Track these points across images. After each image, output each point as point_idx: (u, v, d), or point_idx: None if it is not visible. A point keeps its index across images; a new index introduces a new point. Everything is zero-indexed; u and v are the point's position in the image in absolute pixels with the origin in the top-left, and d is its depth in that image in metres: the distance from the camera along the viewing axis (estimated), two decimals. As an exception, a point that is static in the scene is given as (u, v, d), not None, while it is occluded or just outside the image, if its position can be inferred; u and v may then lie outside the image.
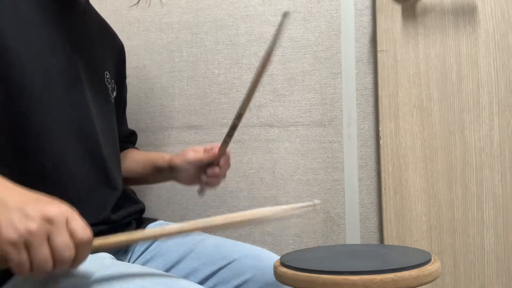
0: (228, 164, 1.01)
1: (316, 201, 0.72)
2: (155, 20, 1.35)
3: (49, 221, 0.55)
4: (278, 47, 0.80)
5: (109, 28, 1.05)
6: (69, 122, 0.80)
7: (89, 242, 0.58)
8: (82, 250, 0.58)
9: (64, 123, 0.80)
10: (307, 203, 0.72)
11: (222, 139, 0.97)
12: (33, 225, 0.54)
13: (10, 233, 0.54)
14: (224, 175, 1.02)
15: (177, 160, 1.01)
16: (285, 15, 0.76)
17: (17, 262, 0.54)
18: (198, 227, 0.69)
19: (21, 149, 0.75)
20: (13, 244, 0.54)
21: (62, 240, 0.55)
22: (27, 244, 0.54)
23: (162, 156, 1.06)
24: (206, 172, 1.00)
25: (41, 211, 0.55)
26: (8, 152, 0.75)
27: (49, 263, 0.55)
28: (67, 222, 0.56)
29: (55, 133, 0.78)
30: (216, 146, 0.99)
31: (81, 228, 0.57)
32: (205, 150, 0.99)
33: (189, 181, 1.04)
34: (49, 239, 0.55)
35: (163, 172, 1.05)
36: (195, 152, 0.99)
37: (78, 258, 0.58)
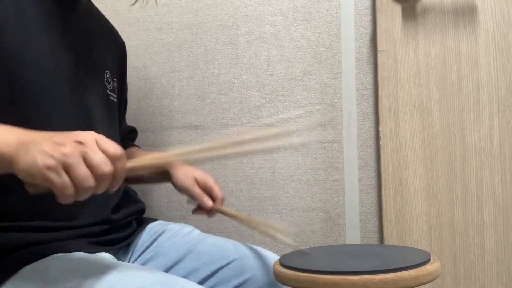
0: (221, 207, 1.00)
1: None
2: (155, 20, 1.35)
3: (80, 143, 0.57)
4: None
5: (111, 27, 1.05)
6: (70, 122, 0.80)
7: (123, 157, 0.60)
8: (118, 164, 0.59)
9: (65, 123, 0.80)
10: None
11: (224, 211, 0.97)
12: (67, 148, 0.56)
13: (47, 160, 0.56)
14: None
15: (177, 176, 0.99)
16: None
17: (60, 185, 0.56)
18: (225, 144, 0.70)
19: None
20: (52, 168, 0.55)
21: (98, 157, 0.57)
22: (65, 167, 0.56)
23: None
24: (196, 209, 0.99)
25: (70, 137, 0.58)
26: None
27: (91, 180, 0.56)
28: (97, 143, 0.58)
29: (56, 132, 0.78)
30: (215, 188, 0.97)
31: (112, 145, 0.59)
32: (205, 188, 0.97)
33: (182, 193, 1.03)
34: (85, 159, 0.57)
35: (163, 175, 1.04)
36: (195, 183, 0.97)
37: (116, 173, 0.59)
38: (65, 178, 0.56)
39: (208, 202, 0.95)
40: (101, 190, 0.59)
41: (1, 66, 0.73)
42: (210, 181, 0.98)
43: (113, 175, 0.59)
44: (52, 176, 0.56)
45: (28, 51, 0.76)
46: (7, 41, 0.73)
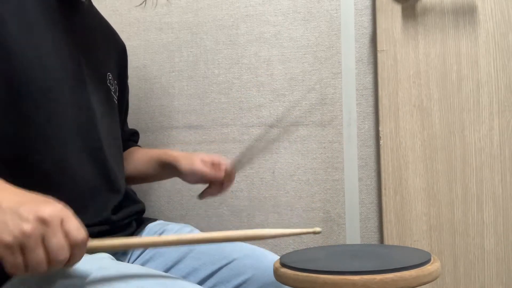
0: (231, 182, 1.03)
1: (317, 229, 0.73)
2: (155, 20, 1.35)
3: (43, 222, 0.55)
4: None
5: (111, 29, 1.05)
6: (72, 123, 0.80)
7: (83, 243, 0.58)
8: (76, 251, 0.58)
9: (68, 125, 0.80)
10: (307, 230, 0.72)
11: (232, 162, 1.00)
12: (28, 227, 0.54)
13: (5, 236, 0.54)
14: (225, 191, 1.04)
15: (183, 164, 1.01)
16: None
17: (12, 264, 0.54)
18: (194, 240, 0.70)
19: (24, 150, 0.75)
20: (8, 247, 0.54)
21: (57, 242, 0.55)
22: (21, 246, 0.54)
23: (167, 154, 1.06)
24: (210, 185, 1.01)
25: (35, 212, 0.55)
26: (11, 153, 0.75)
27: (44, 265, 0.55)
28: (62, 223, 0.56)
29: (58, 134, 0.78)
30: (223, 161, 1.00)
31: (76, 228, 0.57)
32: (213, 164, 1.00)
33: (191, 182, 1.04)
34: (43, 241, 0.55)
35: (168, 170, 1.05)
36: (203, 163, 1.00)
37: (73, 258, 0.58)
38: (18, 259, 0.54)
39: (220, 173, 0.98)
40: (53, 271, 0.57)
41: (3, 65, 0.73)
42: (216, 158, 1.00)
43: (69, 260, 0.57)
44: (6, 254, 0.54)
45: (31, 51, 0.76)
46: (10, 40, 0.74)
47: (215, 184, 1.02)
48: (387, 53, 1.18)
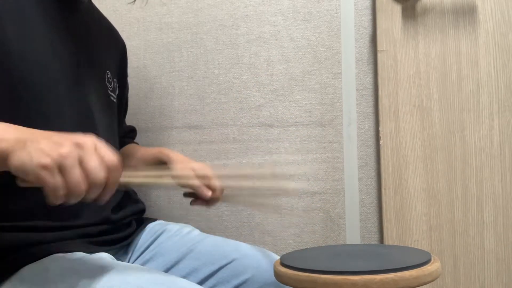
0: (217, 203, 1.00)
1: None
2: (155, 20, 1.35)
3: (79, 146, 0.57)
4: None
5: (111, 28, 1.05)
6: (71, 122, 0.80)
7: (118, 166, 0.59)
8: (113, 174, 0.59)
9: (66, 124, 0.80)
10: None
11: (224, 195, 0.96)
12: (65, 149, 0.56)
13: (43, 158, 0.55)
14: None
15: (174, 170, 0.99)
16: None
17: (51, 186, 0.55)
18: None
19: None
20: (47, 167, 0.55)
21: (94, 162, 0.57)
22: (60, 168, 0.55)
23: (163, 152, 1.05)
24: (195, 199, 0.98)
25: (70, 139, 0.57)
26: None
27: (83, 186, 0.56)
28: (96, 148, 0.58)
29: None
30: (214, 180, 0.94)
31: (110, 153, 0.59)
32: (204, 178, 0.96)
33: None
34: (81, 163, 0.56)
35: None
36: (191, 179, 0.96)
37: (109, 182, 0.59)
38: (58, 179, 0.55)
39: (207, 193, 0.94)
40: (91, 197, 0.58)
41: (1, 65, 0.73)
42: (208, 171, 0.97)
43: (106, 184, 0.58)
44: (46, 175, 0.55)
45: (29, 50, 0.76)
46: (8, 40, 0.73)
47: (200, 198, 0.96)
48: (387, 53, 1.18)
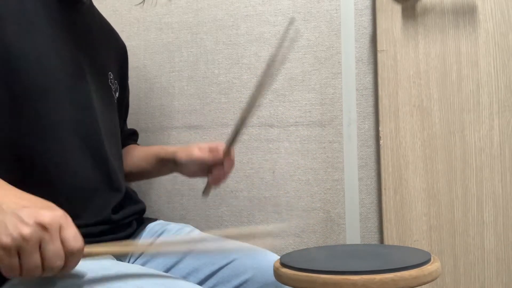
0: (232, 165, 1.01)
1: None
2: (155, 20, 1.35)
3: (43, 227, 0.55)
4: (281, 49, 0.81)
5: (112, 29, 1.05)
6: (73, 122, 0.80)
7: (79, 252, 0.59)
8: (72, 259, 0.58)
9: (68, 124, 0.80)
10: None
11: (227, 140, 0.97)
12: (27, 231, 0.54)
13: (3, 237, 0.54)
14: (228, 176, 1.02)
15: (182, 155, 1.00)
16: (291, 21, 0.78)
17: (7, 266, 0.55)
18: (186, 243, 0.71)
19: (24, 149, 0.75)
20: (6, 248, 0.54)
21: (54, 249, 0.56)
22: (19, 249, 0.55)
23: (165, 149, 1.06)
24: (211, 171, 1.00)
25: (36, 217, 0.55)
26: (11, 153, 0.75)
27: (39, 269, 0.56)
28: (60, 229, 0.57)
29: (58, 133, 0.78)
30: (221, 145, 0.98)
31: (73, 237, 0.58)
32: (210, 149, 0.99)
33: (191, 175, 1.04)
34: (40, 246, 0.55)
35: (167, 165, 1.05)
36: (201, 150, 0.99)
37: (67, 266, 0.58)
38: (14, 261, 0.55)
39: (219, 155, 0.96)
40: (46, 276, 0.58)
41: (3, 66, 0.73)
42: (212, 144, 0.99)
43: (63, 267, 0.58)
44: (3, 255, 0.55)
45: (31, 50, 0.76)
46: (10, 40, 0.74)
47: (216, 169, 0.99)
48: (387, 53, 1.18)
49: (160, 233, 0.96)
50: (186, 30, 1.33)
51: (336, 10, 1.24)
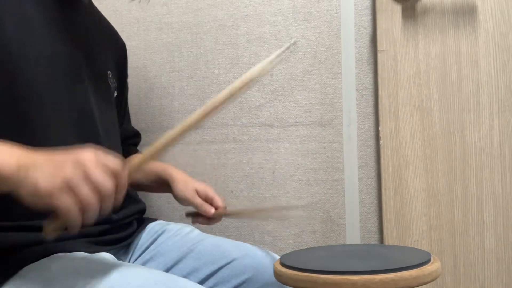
0: (218, 221, 1.01)
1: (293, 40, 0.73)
2: (155, 20, 1.35)
3: (79, 163, 0.57)
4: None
5: (111, 28, 1.05)
6: (72, 122, 0.81)
7: (122, 170, 0.60)
8: (119, 178, 0.59)
9: (67, 123, 0.80)
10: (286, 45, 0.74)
11: (221, 212, 0.98)
12: (67, 170, 0.56)
13: (49, 184, 0.56)
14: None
15: (177, 189, 1.00)
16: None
17: (64, 209, 0.56)
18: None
19: None
20: (55, 192, 0.56)
21: (99, 174, 0.57)
22: (68, 189, 0.56)
23: (166, 170, 1.04)
24: (198, 217, 0.99)
25: (70, 158, 0.58)
26: None
27: (94, 200, 0.57)
28: (96, 160, 0.58)
29: (57, 133, 0.78)
30: (216, 199, 0.98)
31: (112, 160, 0.59)
32: (206, 199, 0.98)
33: (183, 204, 1.03)
34: (86, 179, 0.57)
35: (164, 186, 1.04)
36: (196, 194, 0.98)
37: (119, 186, 0.60)
38: (69, 200, 0.56)
39: (210, 210, 0.96)
40: (107, 207, 0.59)
41: (1, 65, 0.73)
42: (210, 192, 0.99)
43: (116, 189, 0.59)
44: (56, 200, 0.56)
45: (29, 50, 0.76)
46: (8, 40, 0.74)
47: (203, 216, 0.99)
48: (387, 53, 1.18)
49: (161, 233, 0.96)
50: (186, 30, 1.33)
51: (336, 10, 1.24)
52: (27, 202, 0.58)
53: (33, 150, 0.62)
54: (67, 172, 0.56)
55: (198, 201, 0.97)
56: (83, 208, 0.56)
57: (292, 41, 0.76)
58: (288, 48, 0.75)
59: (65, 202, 0.56)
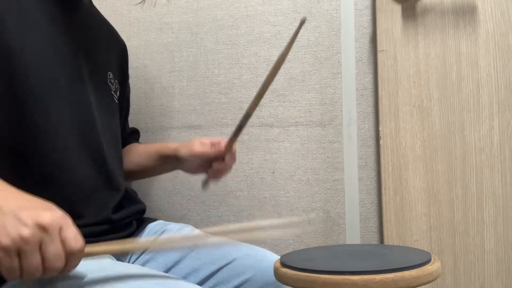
0: (233, 160, 1.01)
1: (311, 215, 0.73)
2: (155, 20, 1.35)
3: (42, 228, 0.55)
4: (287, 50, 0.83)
5: (112, 29, 1.05)
6: (72, 122, 0.80)
7: (80, 252, 0.59)
8: (72, 259, 0.58)
9: (67, 124, 0.80)
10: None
11: (230, 135, 0.98)
12: (27, 232, 0.54)
13: (3, 239, 0.54)
14: (229, 170, 1.02)
15: (183, 151, 1.00)
16: (302, 22, 0.79)
17: (7, 268, 0.55)
18: (187, 241, 0.71)
19: (23, 149, 0.75)
20: (6, 250, 0.54)
21: (54, 250, 0.56)
22: (19, 251, 0.54)
23: (166, 146, 1.06)
24: (212, 166, 1.00)
25: (35, 218, 0.55)
26: (10, 152, 0.75)
27: (39, 270, 0.56)
28: (60, 230, 0.57)
29: (57, 133, 0.78)
30: (223, 140, 0.99)
31: (74, 237, 0.58)
32: (212, 144, 0.99)
33: (193, 171, 1.04)
34: (41, 247, 0.55)
35: (169, 162, 1.05)
36: (202, 145, 0.99)
37: (68, 266, 0.58)
38: (15, 263, 0.55)
39: (220, 148, 0.97)
40: (46, 277, 0.58)
41: (2, 65, 0.73)
42: (214, 139, 0.99)
43: (64, 268, 0.58)
44: (3, 257, 0.54)
45: (29, 50, 0.76)
46: (8, 39, 0.74)
47: (217, 163, 0.98)
48: (387, 53, 1.18)
49: (160, 233, 0.96)
50: (186, 30, 1.33)
51: (336, 10, 1.24)
52: None
53: (3, 189, 0.61)
54: (25, 234, 0.54)
55: (207, 149, 0.97)
56: (24, 271, 0.55)
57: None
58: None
59: (10, 262, 0.54)
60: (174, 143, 1.06)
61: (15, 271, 0.55)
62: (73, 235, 0.58)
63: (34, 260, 0.55)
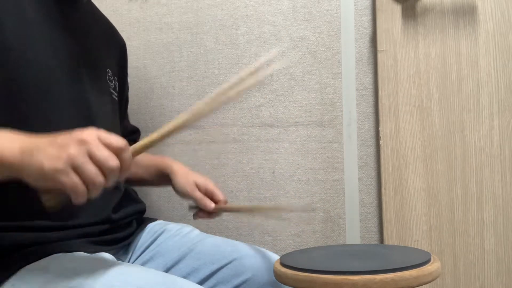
0: (218, 215, 1.01)
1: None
2: (155, 20, 1.35)
3: (83, 142, 0.58)
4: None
5: (111, 26, 1.05)
6: (71, 120, 0.80)
7: (126, 147, 0.61)
8: (123, 156, 0.60)
9: (66, 122, 0.80)
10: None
11: (221, 207, 0.97)
12: (71, 149, 0.57)
13: (57, 164, 0.57)
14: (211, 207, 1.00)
15: (177, 182, 1.00)
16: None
17: (71, 186, 0.57)
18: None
19: None
20: (63, 172, 0.57)
21: (102, 153, 0.58)
22: (73, 167, 0.57)
23: (166, 163, 1.05)
24: (199, 212, 0.99)
25: (72, 138, 0.59)
26: None
27: (100, 176, 0.58)
28: (99, 139, 0.59)
29: (57, 131, 0.78)
30: (217, 192, 0.97)
31: (114, 138, 0.60)
32: (206, 192, 0.98)
33: (183, 197, 1.03)
34: (91, 157, 0.58)
35: (164, 178, 1.04)
36: (196, 188, 0.98)
37: (123, 163, 0.60)
38: (75, 178, 0.57)
39: (210, 205, 0.96)
40: (111, 184, 0.60)
41: (0, 64, 0.73)
42: (210, 185, 0.99)
43: (120, 167, 0.60)
44: (63, 178, 0.57)
45: (28, 49, 0.76)
46: (7, 39, 0.74)
47: (203, 211, 0.98)
48: (387, 53, 1.18)
49: (160, 233, 0.96)
50: (186, 30, 1.33)
51: (336, 10, 1.24)
52: (33, 185, 0.59)
53: (35, 135, 0.63)
54: (71, 152, 0.57)
55: (198, 194, 0.97)
56: (88, 184, 0.57)
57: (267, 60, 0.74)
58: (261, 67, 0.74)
59: (71, 180, 0.57)
60: (174, 164, 1.03)
61: (79, 186, 0.57)
62: (112, 137, 0.60)
63: (90, 168, 0.57)
